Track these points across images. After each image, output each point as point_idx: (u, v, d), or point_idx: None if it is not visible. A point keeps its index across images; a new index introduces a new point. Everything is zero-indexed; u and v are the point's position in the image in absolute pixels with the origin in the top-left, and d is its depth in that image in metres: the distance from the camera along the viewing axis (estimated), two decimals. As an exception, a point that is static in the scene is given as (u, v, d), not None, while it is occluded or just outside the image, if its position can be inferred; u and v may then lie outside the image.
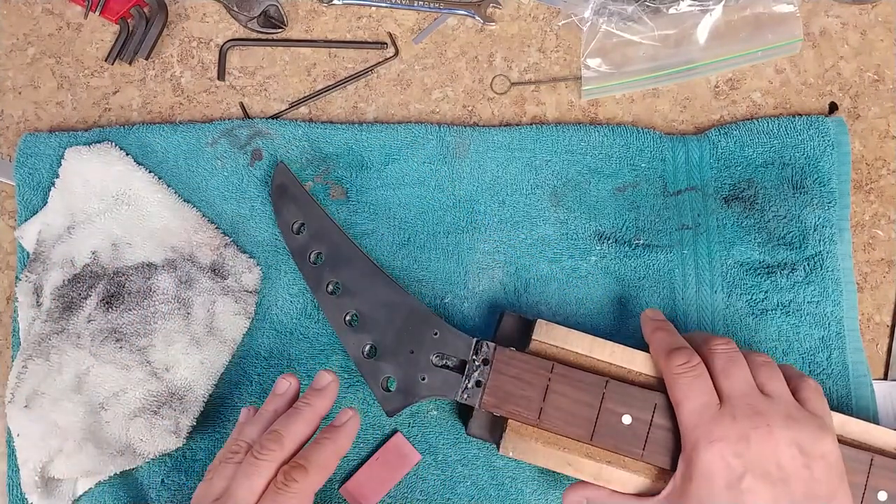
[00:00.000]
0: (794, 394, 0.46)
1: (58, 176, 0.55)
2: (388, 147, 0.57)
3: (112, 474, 0.52)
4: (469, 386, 0.49)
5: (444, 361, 0.50)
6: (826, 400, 0.47)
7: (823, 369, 0.54)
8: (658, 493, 0.46)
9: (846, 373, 0.54)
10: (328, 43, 0.60)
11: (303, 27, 0.60)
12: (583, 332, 0.49)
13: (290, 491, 0.42)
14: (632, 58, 0.58)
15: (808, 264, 0.55)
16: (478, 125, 0.59)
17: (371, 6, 0.60)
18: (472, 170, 0.57)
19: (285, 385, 0.48)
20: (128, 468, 0.52)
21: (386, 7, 0.60)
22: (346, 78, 0.59)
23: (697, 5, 0.58)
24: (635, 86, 0.59)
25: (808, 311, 0.55)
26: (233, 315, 0.54)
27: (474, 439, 0.53)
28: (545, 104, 0.59)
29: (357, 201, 0.56)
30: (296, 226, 0.54)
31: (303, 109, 0.59)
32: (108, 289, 0.53)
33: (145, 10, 0.58)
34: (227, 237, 0.56)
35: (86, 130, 0.57)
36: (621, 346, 0.49)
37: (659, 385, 0.48)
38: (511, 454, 0.48)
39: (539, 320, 0.50)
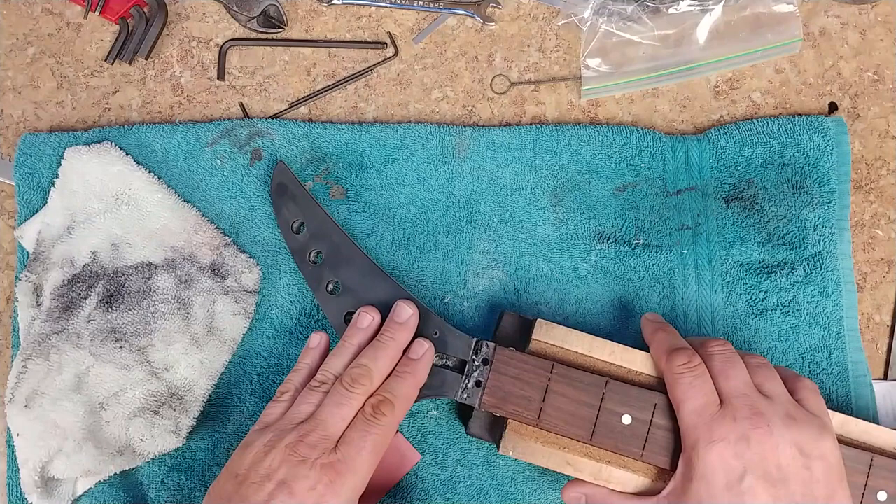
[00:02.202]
0: (791, 394, 0.46)
1: (57, 176, 0.55)
2: (387, 147, 0.57)
3: (112, 474, 0.52)
4: (469, 386, 0.49)
5: (443, 361, 0.50)
6: (823, 400, 0.47)
7: (823, 369, 0.54)
8: (658, 492, 0.46)
9: (846, 373, 0.54)
10: (328, 43, 0.60)
11: (302, 27, 0.60)
12: (583, 331, 0.49)
13: (379, 423, 0.45)
14: (632, 58, 0.58)
15: (808, 264, 0.55)
16: (478, 125, 0.59)
17: (371, 6, 0.60)
18: (471, 170, 0.57)
19: (368, 319, 0.50)
20: (127, 468, 0.52)
21: (386, 7, 0.60)
22: (345, 78, 0.59)
23: (697, 5, 0.58)
24: (635, 86, 0.59)
25: (807, 311, 0.55)
26: (232, 315, 0.54)
27: (474, 439, 0.53)
28: (545, 104, 0.59)
29: (357, 201, 0.56)
30: (295, 225, 0.54)
31: (303, 109, 0.59)
32: (108, 289, 0.53)
33: (145, 9, 0.58)
34: (226, 237, 0.56)
35: (86, 130, 0.57)
36: (621, 345, 0.49)
37: (659, 385, 0.48)
38: (511, 454, 0.48)
39: (539, 320, 0.50)
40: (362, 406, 0.46)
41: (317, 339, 0.50)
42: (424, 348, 0.49)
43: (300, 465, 0.43)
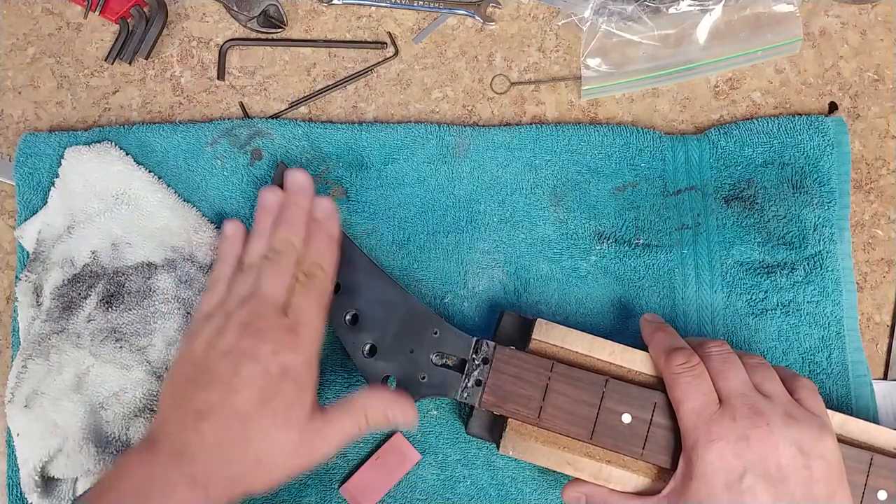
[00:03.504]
0: (790, 394, 0.46)
1: (58, 176, 0.55)
2: (387, 147, 0.57)
3: (112, 474, 0.52)
4: (469, 385, 0.49)
5: (443, 360, 0.50)
6: (822, 399, 0.47)
7: (823, 369, 0.54)
8: (657, 492, 0.46)
9: (846, 373, 0.54)
10: (328, 43, 0.60)
11: (302, 27, 0.60)
12: (583, 331, 0.49)
13: (317, 284, 0.48)
14: (632, 58, 0.58)
15: (808, 264, 0.55)
16: (478, 125, 0.59)
17: (371, 6, 0.60)
18: (472, 170, 0.57)
19: (273, 198, 0.51)
20: (127, 468, 0.52)
21: (386, 7, 0.60)
22: (346, 78, 0.59)
23: (697, 5, 0.58)
24: (635, 86, 0.59)
25: (807, 311, 0.55)
26: (233, 315, 0.54)
27: (474, 439, 0.53)
28: (545, 104, 0.59)
29: (357, 201, 0.56)
30: (296, 225, 0.54)
31: (303, 109, 0.59)
32: (108, 288, 0.53)
33: (145, 9, 0.58)
34: (226, 237, 0.56)
35: (86, 130, 0.57)
36: (621, 345, 0.49)
37: (658, 384, 0.48)
38: (511, 453, 0.48)
39: (539, 319, 0.50)
40: (296, 277, 0.48)
41: (232, 228, 0.52)
42: (324, 205, 0.51)
43: (257, 336, 0.45)
